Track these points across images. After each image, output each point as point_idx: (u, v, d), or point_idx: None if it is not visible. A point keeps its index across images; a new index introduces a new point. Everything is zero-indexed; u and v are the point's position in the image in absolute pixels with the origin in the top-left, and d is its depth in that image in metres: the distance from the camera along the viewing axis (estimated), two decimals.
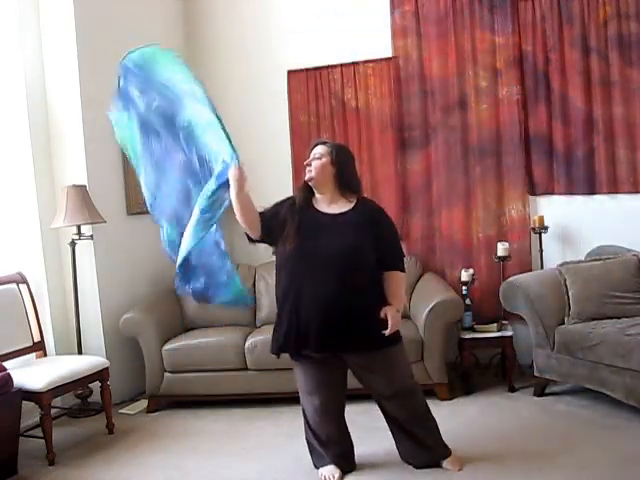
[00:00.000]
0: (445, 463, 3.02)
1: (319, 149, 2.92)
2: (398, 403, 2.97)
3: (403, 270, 2.96)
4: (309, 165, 2.90)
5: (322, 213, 2.89)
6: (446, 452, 3.05)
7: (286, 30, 4.93)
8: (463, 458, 3.07)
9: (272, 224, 2.90)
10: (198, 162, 2.88)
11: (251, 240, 3.00)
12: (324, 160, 2.88)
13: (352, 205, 2.90)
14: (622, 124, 4.22)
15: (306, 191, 2.95)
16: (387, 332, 2.77)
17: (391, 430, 3.08)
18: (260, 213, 2.93)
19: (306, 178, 2.91)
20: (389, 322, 2.78)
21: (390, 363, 2.90)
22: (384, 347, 2.84)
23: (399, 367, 2.96)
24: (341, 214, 2.87)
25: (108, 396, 3.76)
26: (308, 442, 3.11)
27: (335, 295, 2.73)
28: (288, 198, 3.02)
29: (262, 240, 2.97)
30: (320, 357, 2.87)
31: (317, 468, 3.07)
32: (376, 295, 2.86)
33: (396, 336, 2.87)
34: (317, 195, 2.93)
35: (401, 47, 4.65)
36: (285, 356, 3.93)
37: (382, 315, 2.80)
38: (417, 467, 3.04)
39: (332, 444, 3.04)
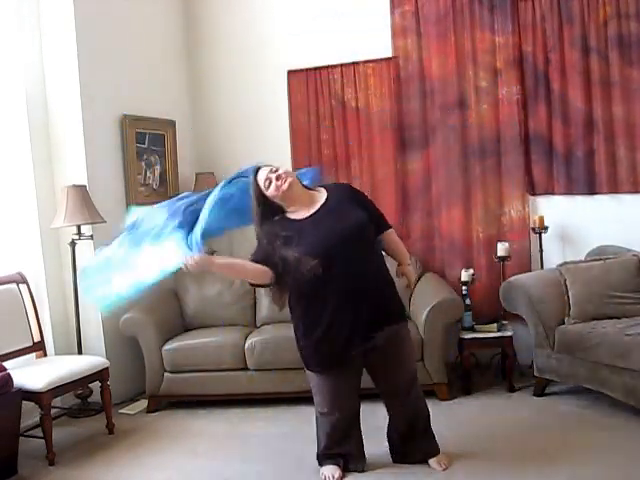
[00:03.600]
0: (432, 462, 3.04)
1: (270, 170, 2.83)
2: (407, 395, 3.00)
3: (391, 226, 3.07)
4: (280, 179, 2.79)
5: (308, 217, 2.81)
6: (437, 448, 3.07)
7: (286, 30, 4.93)
8: (450, 457, 3.07)
9: (274, 261, 2.77)
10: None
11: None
12: (283, 171, 2.83)
13: (326, 193, 2.90)
14: (622, 124, 4.21)
15: (273, 214, 2.83)
16: (412, 285, 3.15)
17: (392, 430, 3.10)
18: (257, 261, 2.79)
19: (285, 188, 2.78)
20: (409, 277, 3.08)
21: (407, 340, 3.03)
22: (404, 319, 2.98)
23: (412, 345, 3.16)
24: (324, 205, 2.84)
25: (108, 396, 3.76)
26: (318, 441, 3.11)
27: (363, 278, 2.77)
28: (263, 231, 2.86)
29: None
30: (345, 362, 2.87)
31: (320, 465, 3.08)
32: (383, 263, 2.94)
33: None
34: (291, 208, 2.84)
35: (401, 47, 4.65)
36: (285, 356, 3.97)
37: (399, 275, 3.04)
38: (410, 463, 3.07)
39: (343, 445, 3.05)
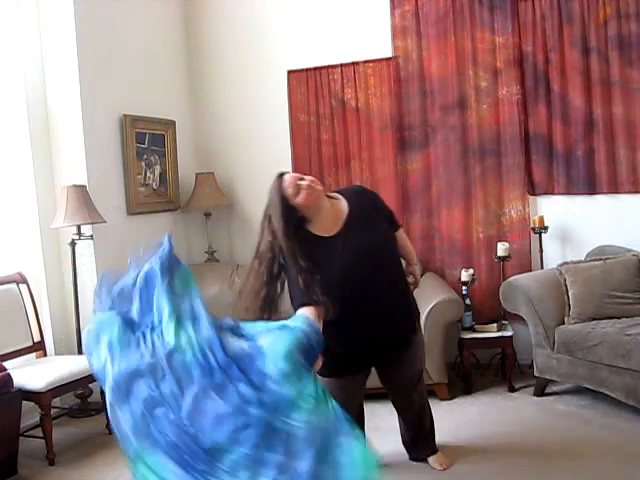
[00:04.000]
0: (432, 462, 3.06)
1: (297, 178, 2.61)
2: (409, 393, 3.01)
3: (401, 226, 3.04)
4: (310, 188, 2.56)
5: (336, 235, 2.64)
6: (435, 446, 3.11)
7: (286, 30, 4.93)
8: (450, 457, 3.09)
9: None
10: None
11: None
12: (310, 179, 2.61)
13: (346, 203, 2.73)
14: (622, 124, 4.21)
15: (295, 227, 2.56)
16: (417, 285, 2.99)
17: (400, 421, 3.12)
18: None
19: (316, 197, 2.58)
20: (416, 277, 2.99)
21: (421, 343, 3.01)
22: (419, 323, 2.97)
23: (424, 347, 3.08)
24: (349, 218, 2.68)
25: None
26: None
27: (388, 295, 2.72)
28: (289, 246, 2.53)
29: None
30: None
31: None
32: (402, 270, 2.93)
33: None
34: (314, 220, 2.63)
35: (401, 47, 4.65)
36: None
37: (407, 274, 2.94)
38: (417, 460, 3.10)
39: None
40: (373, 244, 2.67)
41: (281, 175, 2.61)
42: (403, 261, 3.00)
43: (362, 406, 3.07)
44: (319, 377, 2.86)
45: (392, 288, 2.76)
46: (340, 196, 2.78)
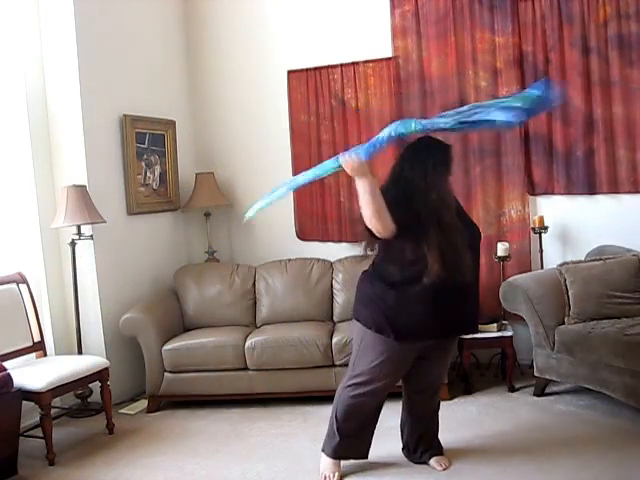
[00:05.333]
0: (432, 462, 3.07)
1: None
2: (433, 395, 3.07)
3: None
4: None
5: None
6: (442, 448, 3.12)
7: (286, 30, 4.94)
8: (450, 457, 3.10)
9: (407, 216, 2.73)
10: None
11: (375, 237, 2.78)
12: None
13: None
14: (622, 124, 4.21)
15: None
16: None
17: (409, 423, 3.12)
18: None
19: None
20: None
21: (452, 350, 3.13)
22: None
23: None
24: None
25: (108, 396, 3.76)
26: (337, 431, 3.00)
27: (473, 281, 2.84)
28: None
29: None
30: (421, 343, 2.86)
31: (333, 458, 3.04)
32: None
33: None
34: None
35: (401, 47, 4.65)
36: (285, 356, 3.97)
37: None
38: (419, 462, 3.10)
39: (362, 433, 3.02)
40: (470, 232, 2.85)
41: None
42: None
43: (383, 403, 3.01)
44: (377, 347, 2.81)
45: (472, 281, 2.79)
46: None
